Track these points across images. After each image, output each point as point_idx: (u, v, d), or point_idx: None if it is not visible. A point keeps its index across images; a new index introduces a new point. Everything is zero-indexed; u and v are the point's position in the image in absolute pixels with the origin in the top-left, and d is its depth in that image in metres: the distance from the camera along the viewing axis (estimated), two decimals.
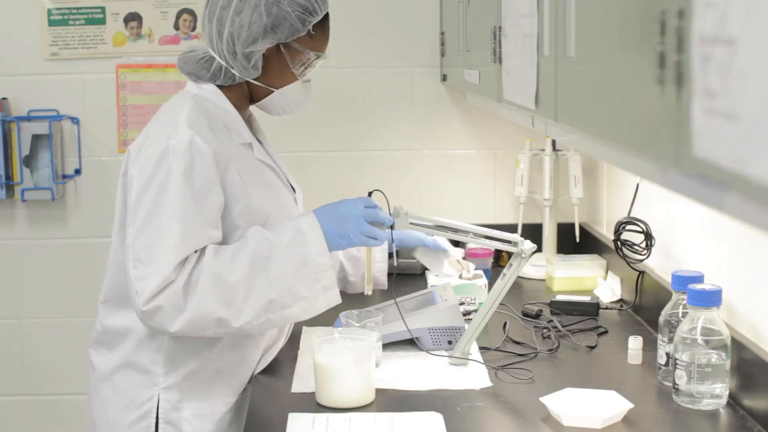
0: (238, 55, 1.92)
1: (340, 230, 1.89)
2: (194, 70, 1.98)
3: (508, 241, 2.05)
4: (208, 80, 1.97)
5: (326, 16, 1.99)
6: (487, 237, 2.04)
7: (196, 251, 1.81)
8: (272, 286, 1.82)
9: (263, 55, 1.94)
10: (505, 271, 2.06)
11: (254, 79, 1.97)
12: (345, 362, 1.85)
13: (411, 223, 1.98)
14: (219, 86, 1.98)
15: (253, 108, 2.10)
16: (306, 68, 1.98)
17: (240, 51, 1.91)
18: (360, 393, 1.85)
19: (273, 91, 1.98)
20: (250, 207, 1.89)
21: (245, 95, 2.01)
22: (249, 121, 2.10)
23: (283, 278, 1.83)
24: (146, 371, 1.91)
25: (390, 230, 1.96)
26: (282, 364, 2.09)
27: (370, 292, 2.03)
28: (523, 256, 2.04)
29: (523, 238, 2.05)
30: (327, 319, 2.27)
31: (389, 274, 2.96)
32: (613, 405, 1.78)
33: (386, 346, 2.14)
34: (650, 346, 2.11)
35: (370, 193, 2.00)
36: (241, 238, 1.88)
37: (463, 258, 2.46)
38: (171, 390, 1.90)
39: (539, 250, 2.97)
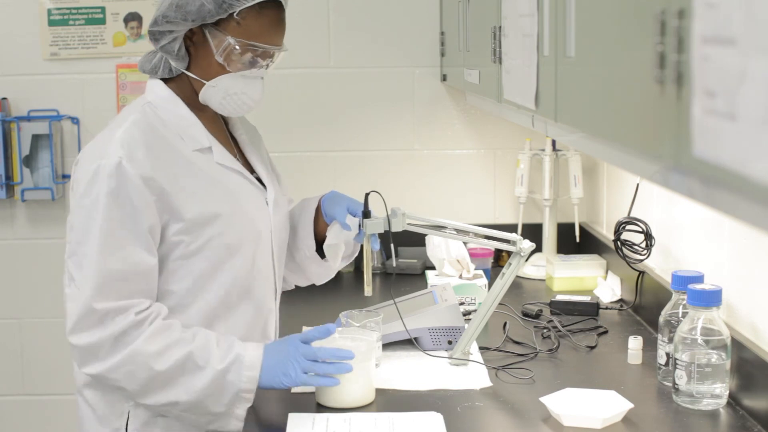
0: (155, 41, 1.86)
1: (283, 367, 1.81)
2: (141, 63, 1.95)
3: (507, 241, 2.05)
4: (149, 72, 1.92)
5: (273, 5, 1.84)
6: (485, 237, 2.04)
7: (148, 305, 1.78)
8: (188, 392, 1.78)
9: (192, 41, 1.85)
10: (504, 270, 2.06)
11: (187, 69, 1.88)
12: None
13: (409, 224, 1.98)
14: (168, 81, 1.91)
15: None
16: (237, 59, 1.84)
17: (148, 30, 1.86)
18: (360, 393, 1.85)
19: (205, 84, 1.87)
20: (194, 219, 1.83)
21: (192, 90, 1.91)
22: (226, 120, 2.03)
23: (201, 392, 1.79)
24: (113, 389, 1.86)
25: (361, 226, 1.96)
26: None
27: (370, 293, 2.03)
28: (521, 255, 2.04)
29: (521, 237, 2.06)
30: (327, 319, 2.27)
31: (389, 274, 2.98)
32: (613, 405, 1.78)
33: (386, 346, 2.14)
34: (650, 346, 2.11)
35: (367, 195, 1.99)
36: (193, 256, 1.84)
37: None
38: (141, 406, 1.86)
39: (539, 250, 2.97)
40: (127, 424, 1.87)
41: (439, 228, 2.03)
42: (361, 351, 1.86)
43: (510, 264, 2.06)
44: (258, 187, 1.98)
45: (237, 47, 1.82)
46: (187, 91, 1.92)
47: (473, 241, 2.06)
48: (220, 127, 2.02)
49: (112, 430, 1.88)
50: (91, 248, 1.76)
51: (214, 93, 1.88)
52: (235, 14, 1.81)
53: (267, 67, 1.90)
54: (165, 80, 1.92)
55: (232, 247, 1.88)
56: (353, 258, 2.15)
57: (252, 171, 2.01)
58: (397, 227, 1.98)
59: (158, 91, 1.91)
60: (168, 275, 1.85)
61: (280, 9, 1.87)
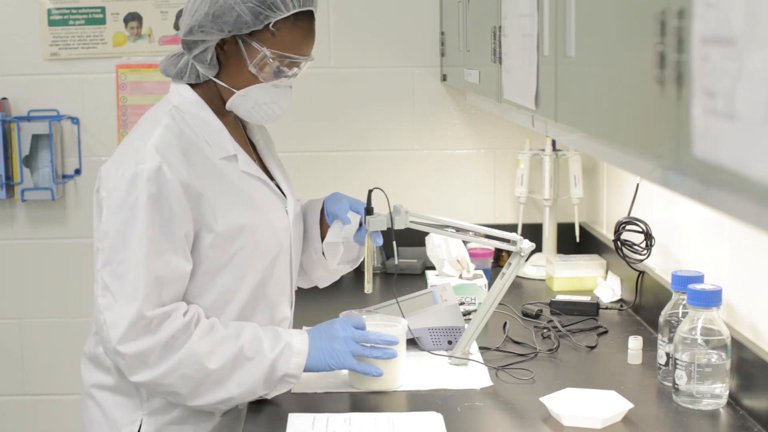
0: (188, 50, 1.85)
1: (329, 350, 1.87)
2: (165, 67, 1.93)
3: (507, 240, 2.05)
4: (175, 77, 1.90)
5: (305, 16, 1.84)
6: (486, 236, 2.04)
7: (186, 308, 1.78)
8: (240, 384, 1.80)
9: (223, 49, 1.84)
10: (504, 270, 2.06)
11: (216, 77, 1.87)
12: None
13: (411, 221, 1.98)
14: (193, 86, 1.90)
15: None
16: (270, 70, 1.84)
17: (182, 40, 1.84)
18: (396, 376, 1.94)
19: (234, 92, 1.87)
20: (224, 231, 1.83)
21: (218, 97, 1.91)
22: (243, 122, 2.03)
23: (253, 382, 1.81)
24: (130, 395, 1.88)
25: (363, 223, 1.96)
26: None
27: (370, 290, 2.03)
28: (522, 255, 2.04)
29: (521, 237, 2.06)
30: (326, 319, 2.27)
31: (389, 274, 2.98)
32: (613, 405, 1.78)
33: None
34: (650, 346, 2.11)
35: (370, 192, 1.99)
36: (215, 262, 1.84)
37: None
38: (155, 415, 1.87)
39: (539, 250, 2.97)
40: (140, 431, 1.87)
41: (442, 226, 2.03)
42: (400, 333, 1.94)
43: (510, 264, 2.06)
44: (279, 196, 1.98)
45: (271, 58, 1.82)
46: (213, 97, 1.91)
47: (474, 240, 2.06)
48: (241, 132, 2.01)
49: None
50: (133, 255, 1.74)
51: (244, 102, 1.88)
52: (270, 25, 1.80)
53: (296, 75, 1.90)
54: (190, 85, 1.91)
55: (255, 260, 1.89)
56: (358, 263, 2.14)
57: (271, 178, 2.01)
58: (399, 225, 1.98)
59: (185, 94, 1.90)
60: (195, 289, 1.85)
61: (311, 19, 1.87)
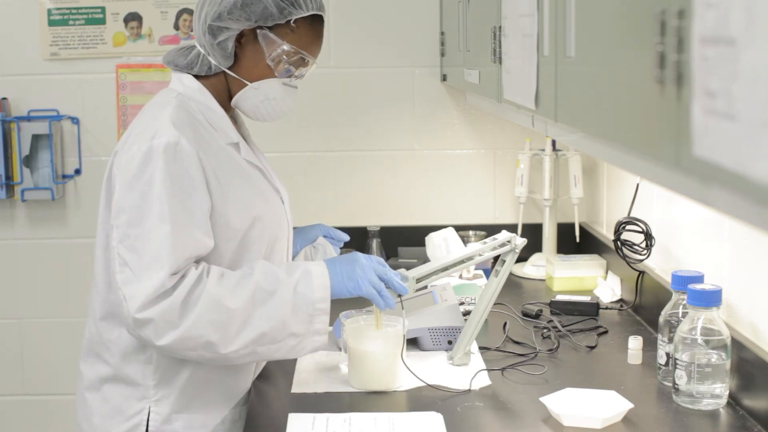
0: (213, 36, 1.87)
1: (349, 272, 1.86)
2: (173, 58, 1.94)
3: (502, 245, 2.04)
4: (184, 68, 1.92)
5: (319, 20, 1.94)
6: (482, 254, 2.02)
7: (196, 265, 1.76)
8: (268, 319, 1.78)
9: (239, 42, 1.88)
10: (497, 267, 2.05)
11: (229, 69, 1.90)
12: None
13: (417, 280, 1.97)
14: (198, 78, 1.92)
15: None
16: (285, 65, 1.90)
17: (209, 25, 1.86)
18: (394, 376, 1.94)
19: (247, 85, 1.90)
20: (232, 214, 1.83)
21: (225, 90, 1.94)
22: (233, 119, 2.04)
23: (281, 314, 1.79)
24: (136, 384, 1.87)
25: (400, 298, 1.93)
26: (282, 365, 2.09)
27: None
28: (515, 251, 2.04)
29: (513, 234, 2.05)
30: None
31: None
32: (613, 405, 1.78)
33: None
34: (650, 346, 2.11)
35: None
36: (219, 249, 1.83)
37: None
38: (162, 402, 1.86)
39: (539, 250, 2.97)
40: (148, 420, 1.87)
41: (442, 270, 2.00)
42: (392, 336, 1.93)
43: (504, 261, 2.05)
44: (275, 187, 2.01)
45: (287, 55, 1.90)
46: (219, 90, 1.94)
47: (476, 262, 2.04)
48: (237, 129, 2.03)
49: (132, 426, 1.87)
50: (150, 227, 1.73)
51: (254, 95, 1.92)
52: (291, 21, 1.88)
53: (303, 76, 1.97)
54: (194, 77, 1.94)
55: (267, 249, 1.91)
56: None
57: None
58: (407, 291, 1.96)
59: (188, 83, 1.92)
60: None
61: (323, 25, 1.97)
